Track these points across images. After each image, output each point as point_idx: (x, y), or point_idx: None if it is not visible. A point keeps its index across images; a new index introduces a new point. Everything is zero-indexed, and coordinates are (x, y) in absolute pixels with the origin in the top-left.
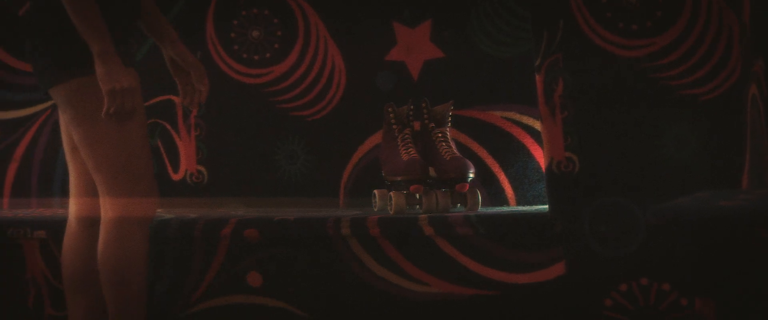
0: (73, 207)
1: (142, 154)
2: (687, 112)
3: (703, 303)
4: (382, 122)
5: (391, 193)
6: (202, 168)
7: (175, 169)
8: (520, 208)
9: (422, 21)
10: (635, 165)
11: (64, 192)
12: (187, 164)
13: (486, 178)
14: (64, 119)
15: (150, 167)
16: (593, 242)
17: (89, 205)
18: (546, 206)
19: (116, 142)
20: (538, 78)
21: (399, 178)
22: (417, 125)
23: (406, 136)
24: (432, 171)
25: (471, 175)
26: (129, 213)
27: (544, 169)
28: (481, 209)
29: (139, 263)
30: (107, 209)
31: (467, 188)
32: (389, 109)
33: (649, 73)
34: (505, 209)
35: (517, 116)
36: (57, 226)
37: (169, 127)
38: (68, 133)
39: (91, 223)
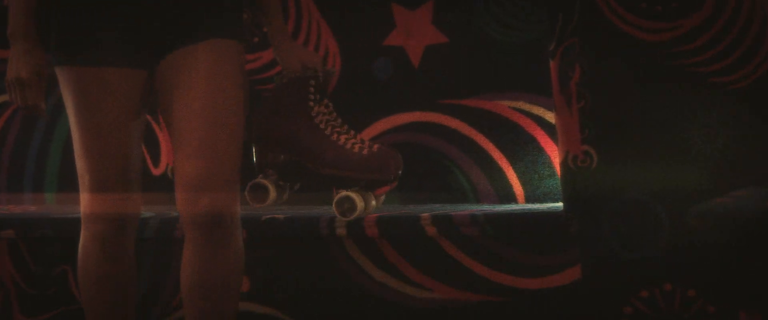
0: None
1: (89, 150)
2: (716, 101)
3: (749, 316)
4: (274, 97)
5: (352, 194)
6: None
7: (155, 163)
8: (531, 206)
9: (423, 2)
10: (659, 159)
11: (36, 188)
12: (168, 158)
13: (492, 174)
14: None
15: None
16: (612, 244)
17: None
18: (559, 204)
19: (76, 135)
20: (552, 64)
21: (364, 177)
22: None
23: (326, 113)
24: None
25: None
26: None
27: (556, 164)
28: (488, 207)
29: (81, 270)
30: None
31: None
32: (311, 82)
33: (675, 59)
34: (514, 207)
35: (526, 106)
36: (27, 225)
37: (149, 118)
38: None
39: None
